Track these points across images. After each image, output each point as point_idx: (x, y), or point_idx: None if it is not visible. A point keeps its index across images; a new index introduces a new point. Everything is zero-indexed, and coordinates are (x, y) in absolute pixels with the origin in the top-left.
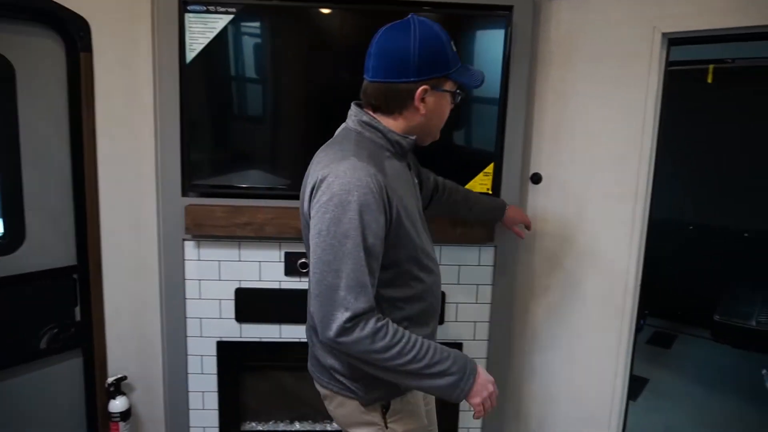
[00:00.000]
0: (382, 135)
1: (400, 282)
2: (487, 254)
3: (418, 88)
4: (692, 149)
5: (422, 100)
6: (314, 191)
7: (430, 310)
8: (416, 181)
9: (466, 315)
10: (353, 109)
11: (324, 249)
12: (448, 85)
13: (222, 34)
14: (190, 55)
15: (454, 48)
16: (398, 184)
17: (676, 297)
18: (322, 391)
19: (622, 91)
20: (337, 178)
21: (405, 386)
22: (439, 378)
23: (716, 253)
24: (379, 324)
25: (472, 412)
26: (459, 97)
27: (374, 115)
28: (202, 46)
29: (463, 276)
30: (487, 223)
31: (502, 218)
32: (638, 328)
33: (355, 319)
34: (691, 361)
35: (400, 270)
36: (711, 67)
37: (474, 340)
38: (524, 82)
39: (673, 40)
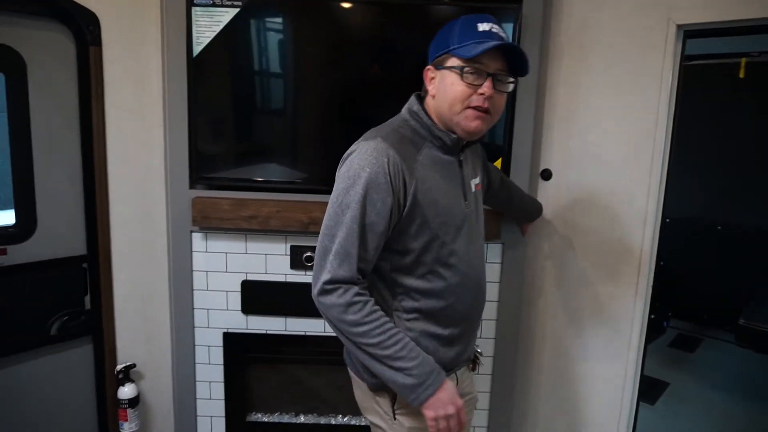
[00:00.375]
0: (427, 128)
1: (416, 272)
2: (495, 251)
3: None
4: (723, 146)
5: (432, 80)
6: (341, 163)
7: (450, 312)
8: (471, 180)
9: None
10: (410, 99)
11: (329, 215)
12: (451, 62)
13: (228, 28)
14: (197, 49)
15: (481, 27)
16: (431, 174)
17: (702, 299)
18: (350, 373)
19: (636, 84)
20: (359, 154)
21: (374, 371)
22: (398, 373)
23: (745, 254)
24: (357, 298)
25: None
26: (464, 72)
27: (427, 105)
28: (208, 40)
29: None
30: (495, 220)
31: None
32: (661, 331)
33: (334, 284)
34: (715, 365)
35: (415, 260)
36: (743, 60)
37: (480, 337)
38: (534, 75)
39: (689, 32)
